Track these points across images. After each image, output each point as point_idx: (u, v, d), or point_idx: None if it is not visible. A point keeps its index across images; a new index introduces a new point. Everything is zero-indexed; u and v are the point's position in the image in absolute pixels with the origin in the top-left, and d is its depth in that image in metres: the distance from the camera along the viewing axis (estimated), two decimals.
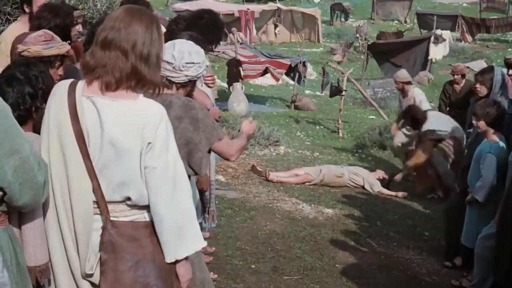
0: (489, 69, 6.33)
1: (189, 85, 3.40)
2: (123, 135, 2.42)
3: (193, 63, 3.30)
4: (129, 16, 2.48)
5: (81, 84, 2.50)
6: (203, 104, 3.79)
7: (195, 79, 3.40)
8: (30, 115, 2.78)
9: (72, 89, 2.50)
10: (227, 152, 3.36)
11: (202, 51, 3.43)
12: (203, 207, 4.92)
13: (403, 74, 9.55)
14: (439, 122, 8.45)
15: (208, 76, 5.15)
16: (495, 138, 5.34)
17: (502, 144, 5.30)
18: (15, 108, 2.73)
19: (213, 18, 5.05)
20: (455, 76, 10.32)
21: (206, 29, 4.92)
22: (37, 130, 2.68)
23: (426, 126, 8.31)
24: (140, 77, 2.47)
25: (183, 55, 3.27)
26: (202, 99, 4.07)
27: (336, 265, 5.80)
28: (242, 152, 3.65)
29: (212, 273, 4.67)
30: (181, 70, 3.28)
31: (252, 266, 5.56)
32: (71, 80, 2.57)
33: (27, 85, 2.81)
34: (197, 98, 3.95)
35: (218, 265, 5.47)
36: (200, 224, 4.71)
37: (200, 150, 3.20)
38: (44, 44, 3.35)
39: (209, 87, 5.12)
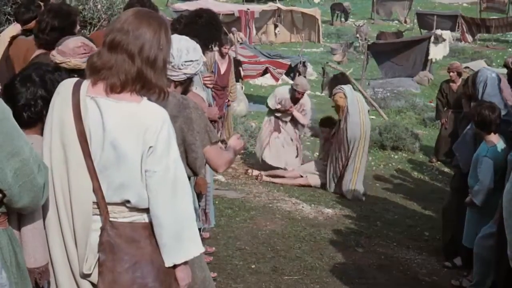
0: (476, 72, 6.33)
1: (187, 82, 3.40)
2: (124, 138, 2.41)
3: (191, 61, 3.29)
4: (138, 19, 2.46)
5: (85, 84, 2.50)
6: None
7: (194, 76, 3.40)
8: (40, 118, 2.74)
9: (76, 89, 2.49)
10: (216, 162, 3.29)
11: (198, 46, 3.42)
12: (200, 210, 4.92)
13: (306, 83, 9.35)
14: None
15: (206, 76, 5.15)
16: (492, 140, 5.33)
17: (500, 145, 5.30)
18: (25, 109, 2.72)
19: (211, 17, 5.05)
20: (451, 74, 10.33)
21: (205, 28, 4.91)
22: None
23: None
24: (145, 81, 2.46)
25: (181, 54, 3.26)
26: (198, 103, 4.05)
27: (336, 265, 5.80)
28: (230, 165, 3.59)
29: (212, 272, 4.68)
30: (180, 69, 3.27)
31: (252, 266, 5.56)
32: (76, 79, 2.57)
33: (41, 88, 2.78)
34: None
35: (218, 265, 5.47)
36: (199, 228, 4.70)
37: (194, 151, 3.16)
38: (84, 56, 3.22)
39: (207, 87, 5.12)
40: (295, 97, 8.83)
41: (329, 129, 8.92)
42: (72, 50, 3.24)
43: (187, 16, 5.21)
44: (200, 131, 3.19)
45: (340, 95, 8.50)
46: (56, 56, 3.25)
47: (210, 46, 5.11)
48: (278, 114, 9.01)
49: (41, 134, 2.66)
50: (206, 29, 4.91)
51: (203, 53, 4.07)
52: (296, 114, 8.88)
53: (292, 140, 9.09)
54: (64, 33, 4.48)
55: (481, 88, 5.83)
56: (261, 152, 9.05)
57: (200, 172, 3.30)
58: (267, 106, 9.10)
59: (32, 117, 2.73)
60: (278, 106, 8.87)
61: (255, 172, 8.96)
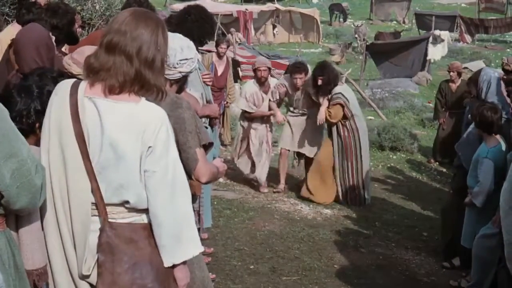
0: (479, 70, 6.31)
1: (182, 80, 3.38)
2: (123, 138, 2.41)
3: (186, 59, 3.28)
4: (135, 20, 2.46)
5: (83, 84, 2.49)
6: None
7: (189, 74, 3.38)
8: (32, 130, 2.73)
9: (74, 90, 2.48)
10: (201, 168, 3.13)
11: (192, 44, 3.41)
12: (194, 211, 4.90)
13: (264, 58, 8.79)
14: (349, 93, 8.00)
15: (205, 74, 5.14)
16: (492, 141, 5.32)
17: (500, 146, 5.28)
18: (17, 120, 2.69)
19: (200, 12, 5.03)
20: (451, 73, 10.31)
21: (195, 24, 4.91)
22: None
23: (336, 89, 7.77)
24: (144, 82, 2.46)
25: (175, 52, 3.24)
26: (193, 105, 4.05)
27: (335, 266, 5.81)
28: (213, 180, 3.41)
29: (210, 273, 4.67)
30: (175, 68, 3.25)
31: (251, 267, 5.56)
32: (74, 80, 2.57)
33: (37, 100, 2.76)
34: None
35: (217, 266, 5.47)
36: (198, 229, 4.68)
37: (185, 151, 3.10)
38: None
39: (207, 85, 5.12)
40: (260, 77, 8.25)
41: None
42: None
43: (177, 15, 5.20)
44: (192, 131, 3.17)
45: (338, 107, 7.65)
46: (72, 66, 3.20)
47: (204, 42, 5.10)
48: (249, 117, 8.37)
49: (35, 145, 2.65)
50: (197, 24, 4.90)
51: (198, 50, 4.04)
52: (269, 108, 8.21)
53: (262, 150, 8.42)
54: (62, 32, 4.49)
55: (485, 87, 5.82)
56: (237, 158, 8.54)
57: (192, 172, 3.25)
58: (242, 109, 8.51)
59: (23, 128, 2.68)
60: (252, 108, 8.27)
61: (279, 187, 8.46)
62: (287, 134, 8.39)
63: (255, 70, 8.33)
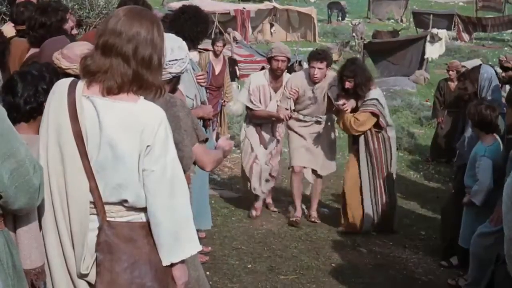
0: (477, 67, 6.21)
1: (174, 81, 3.37)
2: (121, 137, 2.41)
3: (176, 60, 3.27)
4: (129, 19, 2.44)
5: (81, 83, 2.49)
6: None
7: (180, 75, 3.37)
8: (42, 109, 2.73)
9: (72, 89, 2.48)
10: (204, 160, 3.29)
11: (184, 44, 3.39)
12: None
13: (283, 45, 7.00)
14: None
15: (199, 75, 5.14)
16: (489, 140, 5.30)
17: (498, 144, 5.27)
18: (27, 100, 2.76)
19: (194, 11, 5.04)
20: (450, 72, 10.34)
21: (188, 22, 4.91)
22: None
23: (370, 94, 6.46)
24: (142, 82, 2.45)
25: (166, 53, 3.23)
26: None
27: (333, 265, 5.80)
28: (218, 165, 3.59)
29: (208, 272, 4.67)
30: (165, 68, 3.25)
31: (249, 266, 5.56)
32: (71, 79, 2.56)
33: (42, 81, 2.81)
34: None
35: (214, 265, 5.47)
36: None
37: (180, 149, 3.08)
38: None
39: (201, 85, 5.11)
40: (275, 68, 6.67)
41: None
42: (79, 56, 3.19)
43: (172, 14, 5.21)
44: (188, 129, 3.16)
45: (369, 115, 6.38)
46: (61, 60, 3.20)
47: (197, 41, 5.09)
48: (257, 121, 6.92)
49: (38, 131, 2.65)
50: (190, 23, 4.90)
51: (191, 50, 4.01)
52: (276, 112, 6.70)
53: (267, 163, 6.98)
54: (52, 30, 4.46)
55: (486, 84, 5.77)
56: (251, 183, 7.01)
57: (187, 170, 3.26)
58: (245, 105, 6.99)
59: (34, 107, 2.75)
60: (254, 104, 6.77)
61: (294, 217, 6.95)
62: (300, 146, 6.91)
63: (270, 59, 6.65)
